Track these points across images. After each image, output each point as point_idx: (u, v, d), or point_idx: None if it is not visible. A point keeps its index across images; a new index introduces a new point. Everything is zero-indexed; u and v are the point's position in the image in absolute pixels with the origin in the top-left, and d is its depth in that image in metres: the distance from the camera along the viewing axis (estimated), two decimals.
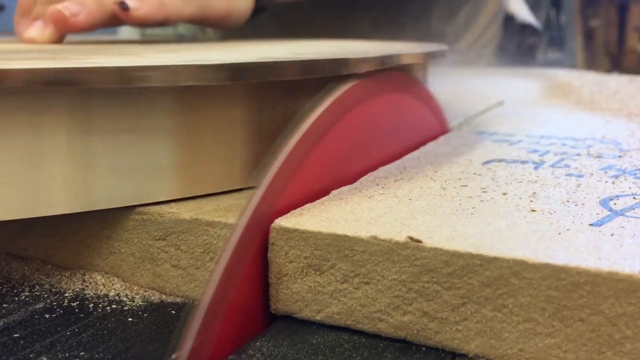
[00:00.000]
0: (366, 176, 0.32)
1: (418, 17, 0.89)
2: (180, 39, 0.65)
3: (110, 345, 0.24)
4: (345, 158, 0.31)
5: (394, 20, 0.87)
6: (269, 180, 0.25)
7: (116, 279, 0.30)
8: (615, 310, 0.21)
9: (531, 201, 0.28)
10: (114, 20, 0.44)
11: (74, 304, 0.28)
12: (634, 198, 0.29)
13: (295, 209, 0.27)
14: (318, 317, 0.25)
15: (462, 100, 0.60)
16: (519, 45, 1.01)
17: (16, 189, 0.26)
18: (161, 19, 0.44)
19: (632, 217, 0.26)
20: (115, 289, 0.29)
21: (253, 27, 0.65)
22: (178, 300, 0.29)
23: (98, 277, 0.30)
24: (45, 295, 0.28)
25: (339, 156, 0.30)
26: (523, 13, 1.03)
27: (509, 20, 1.01)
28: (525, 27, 1.01)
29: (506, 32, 1.00)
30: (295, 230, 0.25)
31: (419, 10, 0.89)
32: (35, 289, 0.29)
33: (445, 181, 0.31)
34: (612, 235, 0.24)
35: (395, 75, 0.35)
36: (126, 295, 0.29)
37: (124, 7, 0.43)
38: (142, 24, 0.44)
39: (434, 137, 0.41)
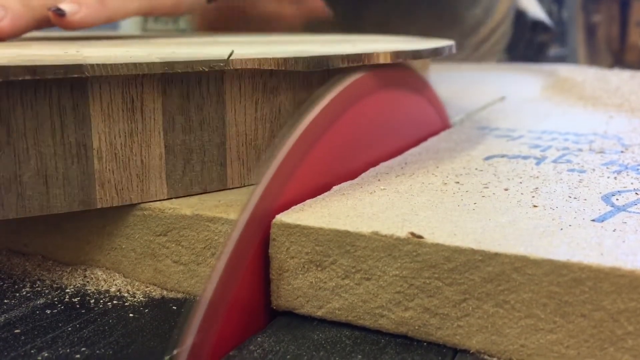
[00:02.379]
0: (367, 172, 0.32)
1: (434, 5, 0.87)
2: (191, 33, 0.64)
3: (112, 341, 0.24)
4: (346, 154, 0.31)
5: (409, 6, 0.86)
6: (270, 176, 0.25)
7: (117, 274, 0.30)
8: (617, 306, 0.21)
9: (533, 197, 0.28)
10: (45, 24, 0.41)
11: (75, 299, 0.28)
12: (636, 194, 0.28)
13: (296, 204, 0.27)
14: (319, 313, 0.25)
15: (464, 95, 0.60)
16: (530, 42, 0.99)
17: None
18: (103, 20, 0.42)
19: (634, 212, 0.26)
20: (116, 285, 0.29)
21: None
22: (179, 296, 0.29)
23: (99, 273, 0.30)
24: (47, 291, 0.28)
25: (340, 152, 0.30)
26: (534, 9, 1.01)
27: (520, 16, 0.99)
28: (537, 24, 1.00)
29: (517, 28, 0.98)
30: (297, 226, 0.25)
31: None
32: (37, 285, 0.29)
33: (447, 177, 0.31)
34: (614, 231, 0.24)
35: (397, 71, 0.35)
36: (127, 291, 0.29)
37: (59, 14, 0.40)
38: (82, 27, 0.42)
39: (435, 133, 0.41)
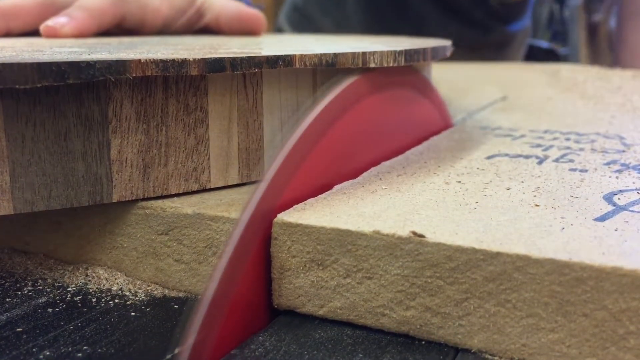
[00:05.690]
0: (369, 171, 0.32)
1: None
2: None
3: (113, 340, 0.24)
4: (348, 153, 0.31)
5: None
6: (272, 175, 0.25)
7: (119, 273, 0.30)
8: (619, 306, 0.21)
9: (534, 196, 0.28)
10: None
11: (77, 298, 0.28)
12: (638, 193, 0.28)
13: (297, 203, 0.27)
14: (321, 312, 0.25)
15: (466, 94, 0.60)
16: None
17: None
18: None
19: (636, 212, 0.26)
20: (118, 284, 0.29)
21: None
22: (181, 294, 0.29)
23: (101, 272, 0.30)
24: (48, 290, 0.28)
25: (342, 151, 0.30)
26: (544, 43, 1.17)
27: (533, 48, 1.17)
28: (549, 52, 1.18)
29: (530, 56, 1.15)
30: (298, 225, 0.25)
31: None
32: (38, 284, 0.29)
33: (448, 176, 0.31)
34: (615, 230, 0.24)
35: (398, 70, 0.35)
36: (129, 290, 0.29)
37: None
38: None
39: (437, 132, 0.41)
